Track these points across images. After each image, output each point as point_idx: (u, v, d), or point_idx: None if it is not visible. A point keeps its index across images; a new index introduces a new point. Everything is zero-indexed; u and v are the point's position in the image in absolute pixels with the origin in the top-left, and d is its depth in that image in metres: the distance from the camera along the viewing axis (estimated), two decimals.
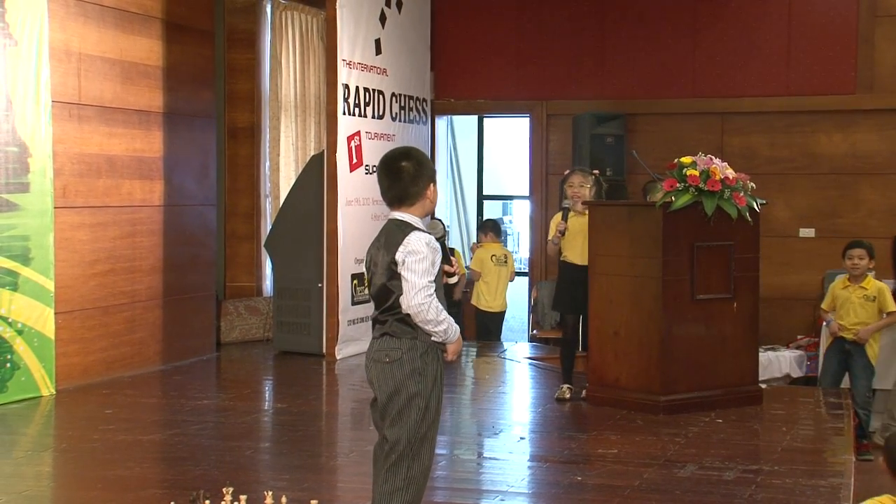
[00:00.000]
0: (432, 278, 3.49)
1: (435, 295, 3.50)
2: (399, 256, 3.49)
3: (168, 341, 7.78)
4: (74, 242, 6.95)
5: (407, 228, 3.54)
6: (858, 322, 7.17)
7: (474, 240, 10.65)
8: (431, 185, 3.62)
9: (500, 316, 9.20)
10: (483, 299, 9.05)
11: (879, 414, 7.59)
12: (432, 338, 3.55)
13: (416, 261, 3.47)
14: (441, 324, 3.52)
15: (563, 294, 6.67)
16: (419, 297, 3.46)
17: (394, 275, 3.51)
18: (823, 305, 7.52)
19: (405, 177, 3.57)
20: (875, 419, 7.47)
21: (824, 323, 7.63)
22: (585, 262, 6.48)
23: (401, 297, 3.49)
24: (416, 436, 3.51)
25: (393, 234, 3.55)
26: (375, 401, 3.63)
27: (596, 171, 6.89)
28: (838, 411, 6.39)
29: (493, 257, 9.06)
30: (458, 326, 3.61)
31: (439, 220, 9.70)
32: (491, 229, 9.29)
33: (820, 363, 7.74)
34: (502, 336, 9.33)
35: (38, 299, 6.56)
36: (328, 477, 5.07)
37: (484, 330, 9.11)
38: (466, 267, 9.35)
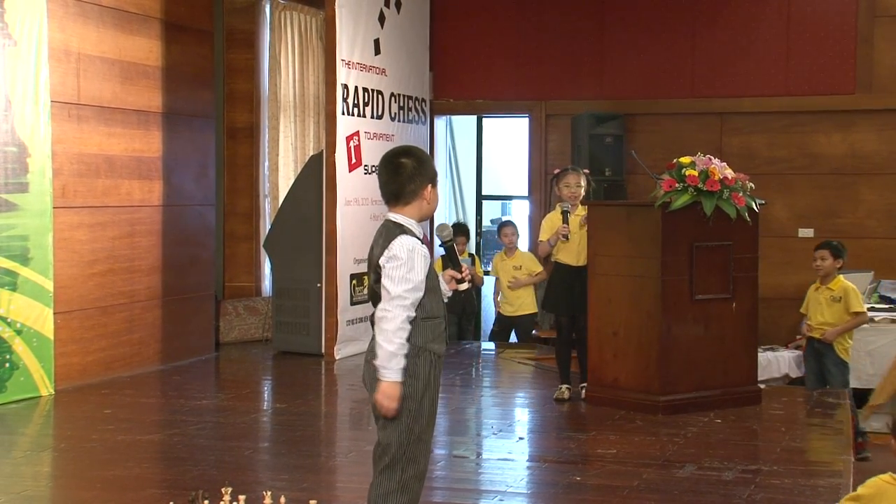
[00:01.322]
0: (410, 286, 3.39)
1: (409, 310, 3.38)
2: (382, 260, 3.43)
3: (167, 341, 7.78)
4: (73, 242, 6.95)
5: (396, 231, 3.48)
6: (824, 322, 7.16)
7: (473, 242, 10.62)
8: (429, 186, 3.53)
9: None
10: (514, 306, 8.91)
11: (880, 415, 7.58)
12: (375, 360, 3.40)
13: (394, 267, 3.40)
14: (391, 343, 3.36)
15: (556, 295, 6.65)
16: (390, 304, 3.38)
17: (380, 277, 3.47)
18: (802, 308, 7.52)
19: (403, 173, 3.50)
20: (875, 420, 7.46)
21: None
22: (580, 263, 6.48)
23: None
24: (409, 438, 3.45)
25: (384, 236, 3.50)
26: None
27: (586, 171, 6.85)
28: (837, 411, 6.39)
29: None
30: (399, 374, 3.39)
31: (465, 224, 9.58)
32: None
33: None
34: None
35: (37, 299, 6.56)
36: (327, 477, 5.07)
37: (527, 333, 9.05)
38: (485, 272, 9.29)
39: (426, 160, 3.59)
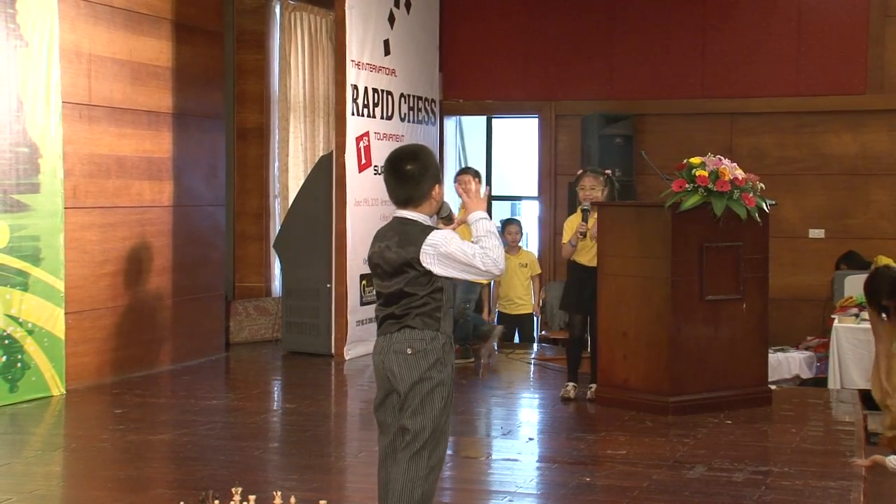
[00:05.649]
0: (475, 250, 3.51)
1: (485, 252, 3.51)
2: (425, 261, 3.50)
3: (177, 341, 7.80)
4: (84, 243, 6.97)
5: (425, 229, 3.56)
6: None
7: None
8: (437, 186, 3.62)
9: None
10: (513, 304, 8.97)
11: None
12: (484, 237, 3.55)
13: (457, 255, 3.49)
14: (495, 247, 3.51)
15: (572, 294, 6.69)
16: (486, 262, 3.49)
17: (412, 275, 3.52)
18: None
19: (410, 181, 3.59)
20: (872, 421, 7.43)
21: None
22: (594, 264, 6.49)
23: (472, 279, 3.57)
24: (439, 423, 3.54)
25: (408, 234, 3.55)
26: (383, 402, 3.62)
27: (608, 171, 6.87)
28: (848, 412, 6.37)
29: None
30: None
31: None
32: None
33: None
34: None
35: (49, 299, 6.58)
36: (337, 477, 5.08)
37: (530, 332, 9.06)
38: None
39: (429, 161, 3.63)
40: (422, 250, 3.50)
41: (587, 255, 6.54)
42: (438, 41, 9.57)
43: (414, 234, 3.54)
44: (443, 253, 3.50)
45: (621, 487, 4.73)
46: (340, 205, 7.95)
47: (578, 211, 6.64)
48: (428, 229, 3.56)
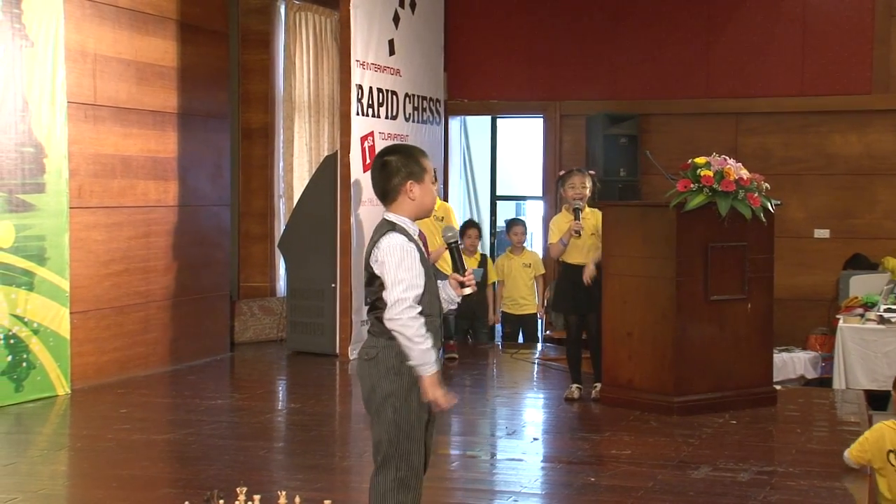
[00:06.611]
0: (404, 286, 3.32)
1: (414, 307, 3.31)
2: (371, 261, 3.39)
3: (182, 341, 7.81)
4: (89, 242, 6.98)
5: (385, 228, 3.42)
6: None
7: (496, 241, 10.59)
8: (409, 182, 3.44)
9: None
10: (519, 305, 8.97)
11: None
12: (410, 362, 3.35)
13: (386, 273, 3.34)
14: (416, 343, 3.30)
15: (564, 295, 6.66)
16: (394, 310, 3.31)
17: (369, 276, 3.41)
18: None
19: (383, 172, 3.46)
20: (877, 421, 7.42)
21: None
22: (586, 262, 6.47)
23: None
24: (398, 435, 3.39)
25: (374, 235, 3.45)
26: None
27: (592, 172, 6.84)
28: (853, 413, 6.36)
29: None
30: (435, 364, 3.34)
31: (476, 225, 9.37)
32: None
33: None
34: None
35: (54, 299, 6.60)
36: (341, 477, 5.08)
37: (534, 332, 9.08)
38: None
39: (412, 157, 3.49)
40: (372, 251, 3.39)
41: (579, 255, 6.51)
42: (443, 41, 9.57)
43: (375, 237, 3.42)
44: (379, 260, 3.35)
45: (626, 487, 4.72)
46: (345, 205, 7.96)
47: (564, 210, 6.60)
48: (385, 231, 3.40)
